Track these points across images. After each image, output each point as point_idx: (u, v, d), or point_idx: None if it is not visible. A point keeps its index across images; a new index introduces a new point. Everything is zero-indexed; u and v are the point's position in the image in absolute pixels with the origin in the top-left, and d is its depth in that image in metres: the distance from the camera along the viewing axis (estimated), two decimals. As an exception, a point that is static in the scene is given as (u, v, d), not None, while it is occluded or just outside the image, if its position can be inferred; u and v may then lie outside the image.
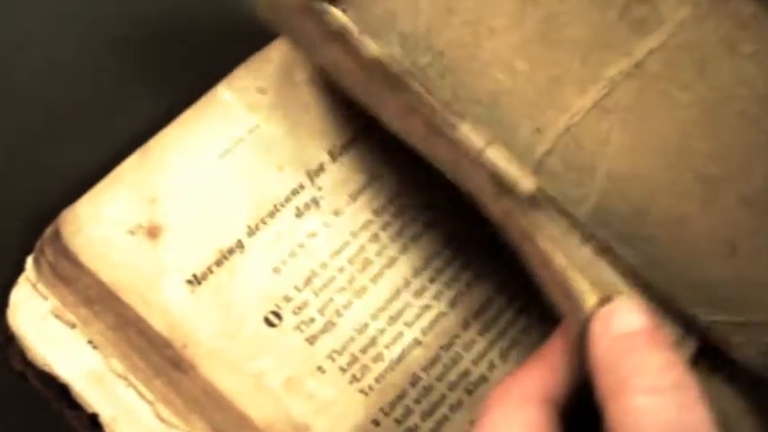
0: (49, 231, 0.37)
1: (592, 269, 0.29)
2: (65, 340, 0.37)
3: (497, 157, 0.30)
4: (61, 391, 0.37)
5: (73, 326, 0.37)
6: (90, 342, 0.37)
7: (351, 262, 0.38)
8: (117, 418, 0.36)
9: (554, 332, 0.30)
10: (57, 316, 0.37)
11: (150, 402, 0.36)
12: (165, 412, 0.36)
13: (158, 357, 0.36)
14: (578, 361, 0.28)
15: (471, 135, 0.30)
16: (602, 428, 0.26)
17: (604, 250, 0.30)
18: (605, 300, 0.28)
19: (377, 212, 0.38)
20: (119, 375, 0.37)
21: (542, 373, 0.29)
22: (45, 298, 0.37)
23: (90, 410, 0.36)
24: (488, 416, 0.28)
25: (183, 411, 0.36)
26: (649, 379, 0.26)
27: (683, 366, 0.27)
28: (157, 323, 0.36)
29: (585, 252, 0.30)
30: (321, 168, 0.39)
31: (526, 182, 0.30)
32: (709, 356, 0.31)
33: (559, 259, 0.29)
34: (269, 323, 0.36)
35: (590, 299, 0.28)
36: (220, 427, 0.36)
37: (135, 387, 0.36)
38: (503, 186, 0.30)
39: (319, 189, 0.38)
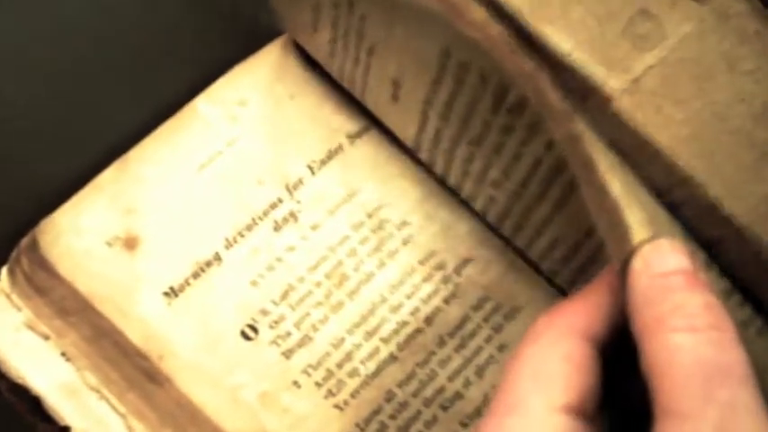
0: (25, 241, 0.37)
1: (645, 206, 0.29)
2: (38, 352, 0.37)
3: (584, 60, 0.29)
4: (35, 404, 0.36)
5: (46, 337, 0.37)
6: (63, 354, 0.37)
7: (328, 277, 0.38)
8: (89, 431, 0.36)
9: (600, 273, 0.30)
10: (30, 327, 0.37)
11: (122, 415, 0.36)
12: (138, 426, 0.36)
13: (133, 369, 0.36)
14: (620, 300, 0.28)
15: (556, 38, 0.29)
16: (638, 367, 0.26)
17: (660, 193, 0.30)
18: (651, 238, 0.28)
19: (355, 227, 0.39)
20: (91, 388, 0.36)
21: (585, 309, 0.29)
22: (19, 309, 0.37)
23: (62, 423, 0.36)
24: (528, 346, 0.28)
25: (156, 425, 0.36)
26: (687, 318, 0.26)
27: (722, 309, 0.27)
28: (134, 335, 0.36)
29: (642, 189, 0.30)
30: (300, 182, 0.39)
31: (614, 81, 0.29)
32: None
33: (616, 189, 0.28)
34: (245, 336, 0.36)
35: (637, 235, 0.28)
36: None
37: (107, 400, 0.36)
38: (586, 91, 0.29)
39: (298, 203, 0.38)
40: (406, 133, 0.38)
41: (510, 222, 0.36)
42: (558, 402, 0.26)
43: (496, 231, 0.39)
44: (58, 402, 0.36)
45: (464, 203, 0.40)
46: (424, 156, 0.38)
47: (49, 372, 0.36)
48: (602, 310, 0.29)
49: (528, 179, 0.33)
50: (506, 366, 0.27)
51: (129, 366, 0.36)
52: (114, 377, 0.36)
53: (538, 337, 0.28)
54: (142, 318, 0.36)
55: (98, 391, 0.36)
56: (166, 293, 0.36)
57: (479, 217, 0.39)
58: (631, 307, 0.27)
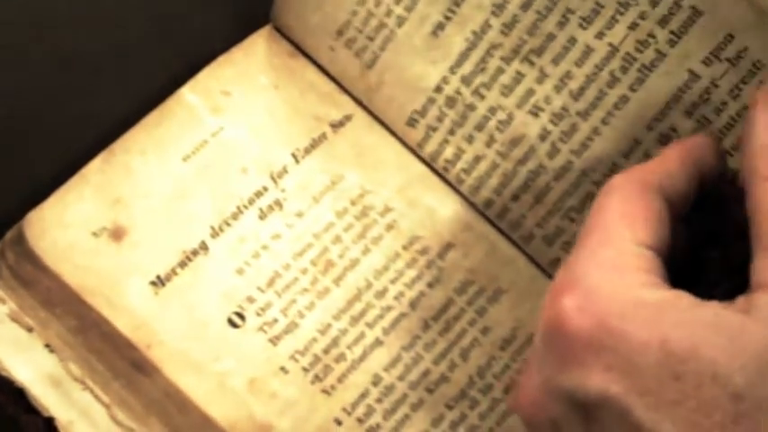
0: (10, 234, 0.37)
1: None
2: (22, 344, 0.37)
3: None
4: (18, 395, 0.37)
5: (30, 329, 0.37)
6: (47, 346, 0.37)
7: (314, 263, 0.38)
8: (73, 422, 0.36)
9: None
10: (14, 320, 0.37)
11: (107, 405, 0.36)
12: (122, 415, 0.36)
13: (119, 360, 0.36)
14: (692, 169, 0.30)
15: None
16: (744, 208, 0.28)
17: None
18: None
19: (339, 214, 0.39)
20: (75, 379, 0.37)
21: (664, 169, 0.30)
22: (3, 301, 0.37)
23: (46, 414, 0.36)
24: (607, 198, 0.30)
25: (141, 414, 0.36)
26: None
27: None
28: (121, 324, 0.36)
29: None
30: (284, 171, 0.39)
31: None
32: None
33: None
34: (232, 324, 0.37)
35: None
36: (180, 430, 0.36)
37: (92, 390, 0.36)
38: None
39: (283, 191, 0.39)
40: (426, 83, 0.38)
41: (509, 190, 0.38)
42: (645, 239, 0.29)
43: (480, 215, 0.40)
44: (42, 393, 0.36)
45: (447, 189, 0.40)
46: (434, 112, 0.39)
47: (33, 363, 0.37)
48: (678, 175, 0.31)
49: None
50: (592, 211, 0.30)
51: (115, 357, 0.36)
52: (99, 368, 0.36)
53: (617, 191, 0.30)
54: (130, 307, 0.36)
55: (82, 382, 0.36)
56: (153, 283, 0.37)
57: (462, 202, 0.40)
58: (748, 151, 0.29)
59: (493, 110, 0.38)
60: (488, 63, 0.38)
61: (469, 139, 0.39)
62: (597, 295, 0.27)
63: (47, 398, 0.36)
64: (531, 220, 0.39)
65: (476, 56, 0.38)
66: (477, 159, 0.39)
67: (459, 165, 0.39)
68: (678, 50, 0.34)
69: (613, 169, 0.36)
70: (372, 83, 0.40)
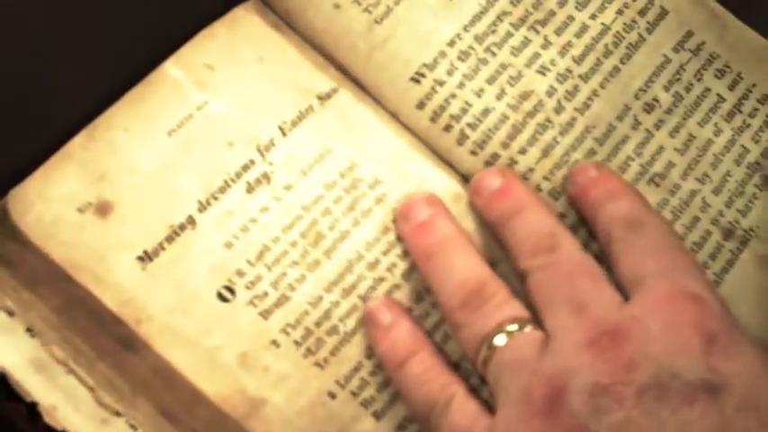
0: (-7, 212, 0.37)
1: None
2: (2, 328, 0.36)
3: None
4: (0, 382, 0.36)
5: (11, 313, 0.36)
6: (29, 330, 0.36)
7: (303, 236, 0.37)
8: (57, 407, 0.35)
9: None
10: (-6, 304, 0.36)
11: (91, 388, 0.36)
12: (107, 398, 0.35)
13: (106, 338, 0.36)
14: None
15: None
16: None
17: None
18: None
19: (328, 187, 0.38)
20: (59, 362, 0.36)
21: None
22: (-18, 285, 0.36)
23: (29, 399, 0.35)
24: None
25: (127, 395, 0.36)
26: None
27: None
28: (109, 300, 0.35)
29: None
30: (272, 143, 0.39)
31: None
32: None
33: None
34: (222, 298, 0.36)
35: None
36: (169, 409, 0.35)
37: (76, 373, 0.36)
38: None
39: (270, 164, 0.38)
40: (439, 38, 0.40)
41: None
42: None
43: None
44: (25, 378, 0.35)
45: (437, 160, 0.40)
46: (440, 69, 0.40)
47: (15, 348, 0.36)
48: None
49: None
50: None
51: (102, 335, 0.36)
52: (84, 348, 0.36)
53: None
54: (117, 283, 0.36)
55: (66, 365, 0.36)
56: (141, 258, 0.36)
57: (452, 173, 0.40)
58: None
59: (504, 66, 0.40)
60: (498, 27, 0.41)
61: (479, 93, 0.40)
62: None
63: (29, 383, 0.35)
64: (538, 173, 0.40)
65: (488, 19, 0.41)
66: (486, 112, 0.40)
67: (465, 119, 0.40)
68: (654, 37, 0.42)
69: (610, 128, 0.41)
70: (378, 39, 0.40)
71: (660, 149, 0.41)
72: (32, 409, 0.35)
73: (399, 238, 0.38)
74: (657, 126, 0.41)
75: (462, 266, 0.36)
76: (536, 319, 0.34)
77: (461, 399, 0.34)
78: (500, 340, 0.34)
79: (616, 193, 0.37)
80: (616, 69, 0.41)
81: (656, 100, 0.41)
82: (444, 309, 0.36)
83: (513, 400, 0.32)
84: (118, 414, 0.35)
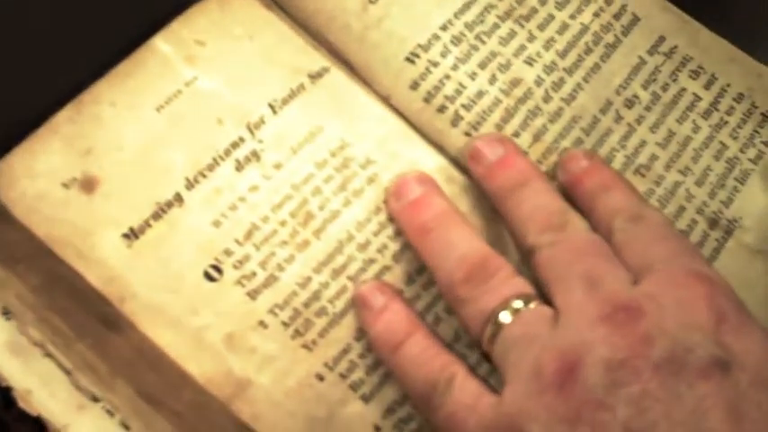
0: (-25, 187, 0.36)
1: None
2: (-24, 310, 0.35)
3: None
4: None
5: (-15, 292, 0.35)
6: (6, 313, 0.35)
7: (293, 215, 0.37)
8: (31, 391, 0.34)
9: None
10: (-32, 284, 0.35)
11: (68, 371, 0.35)
12: (85, 380, 0.35)
13: (87, 317, 0.35)
14: None
15: None
16: None
17: None
18: None
19: (319, 166, 0.38)
20: (35, 344, 0.35)
21: None
22: (-44, 265, 0.35)
23: (3, 384, 0.34)
24: None
25: (106, 377, 0.35)
26: None
27: None
28: (93, 278, 0.35)
29: None
30: (262, 121, 0.38)
31: None
32: None
33: None
34: (209, 277, 0.36)
35: None
36: (151, 391, 0.35)
37: (53, 356, 0.35)
38: None
39: (260, 142, 0.38)
40: (432, 21, 0.41)
41: None
42: None
43: (462, 169, 0.39)
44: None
45: (429, 142, 0.40)
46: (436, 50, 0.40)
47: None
48: None
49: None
50: None
51: (83, 314, 0.35)
52: (63, 328, 0.35)
53: None
54: (102, 260, 0.35)
55: (42, 347, 0.35)
56: (126, 235, 0.35)
57: (444, 155, 0.39)
58: None
59: (494, 54, 0.41)
60: (486, 18, 0.42)
61: (473, 76, 0.40)
62: None
63: (3, 366, 0.34)
64: (532, 156, 0.40)
65: (476, 9, 0.42)
66: (480, 95, 0.40)
67: (460, 100, 0.40)
68: (629, 40, 0.43)
69: (595, 120, 0.41)
70: (373, 18, 0.40)
71: (643, 143, 0.42)
72: (6, 395, 0.34)
73: (391, 219, 0.37)
74: (639, 121, 0.42)
75: (462, 241, 0.35)
76: (541, 296, 0.34)
77: (463, 377, 0.34)
78: (506, 317, 0.33)
79: (610, 185, 0.37)
80: (597, 66, 0.42)
81: (635, 96, 0.42)
82: (444, 285, 0.35)
83: (522, 374, 0.32)
84: (95, 399, 0.34)
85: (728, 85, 0.44)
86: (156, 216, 0.36)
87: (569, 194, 0.38)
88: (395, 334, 0.35)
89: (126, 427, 0.34)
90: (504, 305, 0.33)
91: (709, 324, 0.32)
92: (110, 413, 0.34)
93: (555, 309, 0.33)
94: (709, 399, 0.30)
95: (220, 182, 0.37)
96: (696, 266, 0.34)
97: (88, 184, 0.36)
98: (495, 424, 0.32)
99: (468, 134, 0.40)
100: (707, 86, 0.44)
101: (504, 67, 0.41)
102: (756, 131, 0.43)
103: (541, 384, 0.31)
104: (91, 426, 0.34)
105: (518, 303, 0.34)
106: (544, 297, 0.34)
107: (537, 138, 0.40)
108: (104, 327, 0.35)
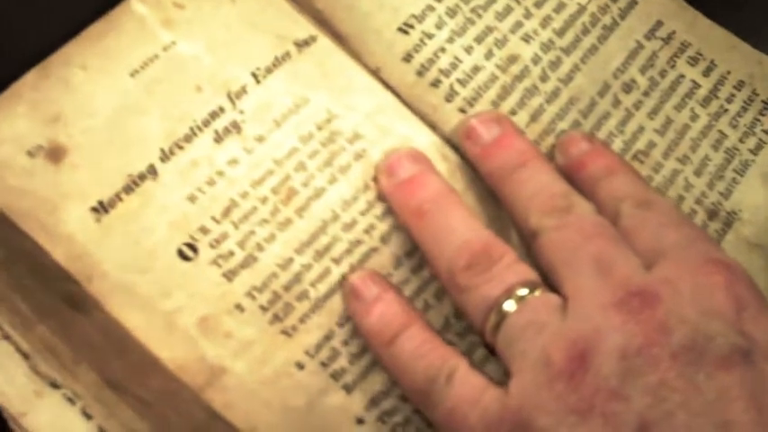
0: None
1: None
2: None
3: None
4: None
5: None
6: None
7: (275, 192, 0.35)
8: None
9: None
10: None
11: (26, 355, 0.33)
12: (45, 366, 0.33)
13: (51, 297, 0.33)
14: None
15: None
16: None
17: None
18: None
19: (303, 140, 0.36)
20: (-8, 325, 0.33)
21: None
22: None
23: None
24: None
25: (68, 362, 0.33)
26: None
27: None
28: (58, 254, 0.33)
29: None
30: (243, 90, 0.36)
31: None
32: None
33: None
34: (183, 256, 0.34)
35: None
36: (117, 377, 0.33)
37: (10, 338, 0.33)
38: None
39: (241, 112, 0.36)
40: None
41: None
42: None
43: (456, 147, 0.38)
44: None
45: (421, 118, 0.38)
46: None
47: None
48: None
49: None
50: None
51: (46, 293, 0.33)
52: (23, 308, 0.34)
53: None
54: (68, 236, 0.33)
55: (0, 329, 0.33)
56: (95, 209, 0.33)
57: (437, 132, 0.38)
58: None
59: (490, 29, 0.40)
60: None
61: (468, 50, 0.39)
62: None
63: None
64: (529, 136, 0.39)
65: None
66: (476, 70, 0.39)
67: (455, 74, 0.39)
68: (626, 23, 0.42)
69: (593, 103, 0.40)
70: None
71: (641, 128, 0.41)
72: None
73: (380, 198, 0.36)
74: (637, 106, 0.41)
75: (462, 226, 0.34)
76: (546, 283, 0.33)
77: (465, 371, 0.32)
78: (510, 305, 0.32)
79: (614, 169, 0.36)
80: (594, 47, 0.41)
81: (633, 81, 0.41)
82: (442, 271, 0.34)
83: (530, 364, 0.31)
84: (55, 385, 0.33)
85: (728, 73, 0.43)
86: (128, 189, 0.34)
87: (570, 179, 0.36)
88: (389, 326, 0.33)
89: (87, 415, 0.33)
90: (509, 293, 0.32)
91: (729, 312, 0.31)
92: (70, 401, 0.33)
93: (562, 296, 0.32)
94: (730, 389, 0.29)
95: (198, 154, 0.35)
96: (712, 253, 0.33)
97: (55, 153, 0.34)
98: (500, 418, 0.31)
99: (463, 111, 0.38)
100: (706, 73, 0.43)
101: (501, 42, 0.40)
102: (757, 119, 0.43)
103: (550, 374, 0.30)
104: (49, 414, 0.32)
105: (523, 291, 0.32)
106: (549, 284, 0.33)
107: (534, 118, 0.39)
108: (69, 307, 0.33)
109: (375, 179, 0.36)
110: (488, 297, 0.32)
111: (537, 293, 0.32)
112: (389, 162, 0.36)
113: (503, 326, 0.32)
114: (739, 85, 0.43)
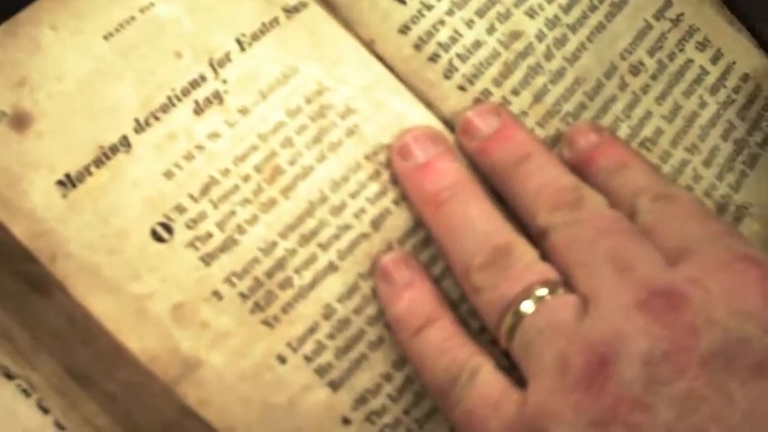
0: None
1: None
2: None
3: None
4: None
5: None
6: None
7: (258, 170, 0.33)
8: None
9: None
10: None
11: None
12: (-1, 355, 0.32)
13: (10, 277, 0.32)
14: None
15: None
16: None
17: None
18: None
19: (291, 113, 0.34)
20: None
21: None
22: None
23: None
24: None
25: (26, 350, 0.32)
26: None
27: None
28: (19, 231, 0.31)
29: None
30: (227, 58, 0.35)
31: None
32: None
33: None
34: (157, 237, 0.32)
35: None
36: (80, 367, 0.32)
37: None
38: None
39: (224, 82, 0.34)
40: None
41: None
42: None
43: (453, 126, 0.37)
44: None
45: (417, 95, 0.37)
46: None
47: None
48: None
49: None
50: None
51: (4, 273, 0.32)
52: (-25, 287, 0.32)
53: None
54: (31, 211, 0.31)
55: (-50, 311, 0.32)
56: (62, 183, 0.32)
57: (434, 110, 0.37)
58: None
59: (492, 1, 0.38)
60: None
61: (469, 24, 0.38)
62: None
63: None
64: (531, 119, 0.38)
65: None
66: (478, 45, 0.37)
67: (455, 49, 0.37)
68: (634, 1, 0.41)
69: (599, 84, 0.39)
70: None
71: (648, 114, 0.40)
72: None
73: (372, 178, 0.34)
74: (644, 90, 0.40)
75: (482, 220, 0.33)
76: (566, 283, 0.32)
77: (489, 371, 0.31)
78: (528, 306, 0.31)
79: (627, 162, 0.35)
80: (602, 25, 0.40)
81: (641, 63, 0.40)
82: (458, 267, 0.32)
83: (547, 370, 0.29)
84: (9, 376, 0.31)
85: (734, 63, 0.42)
86: (98, 162, 0.32)
87: (579, 173, 0.35)
88: (417, 316, 0.32)
89: (44, 409, 0.31)
90: (527, 293, 0.31)
91: (763, 312, 0.29)
92: (25, 392, 0.31)
93: (581, 297, 0.30)
94: (766, 400, 0.28)
95: (175, 126, 0.33)
96: (742, 248, 0.31)
97: (19, 121, 0.32)
98: (517, 425, 0.29)
99: (462, 88, 0.37)
100: (713, 61, 0.42)
101: (504, 16, 0.38)
102: (762, 114, 0.42)
103: (568, 381, 0.29)
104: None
105: (542, 291, 0.31)
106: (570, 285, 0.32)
107: (537, 99, 0.38)
108: (29, 289, 0.32)
109: (388, 159, 0.35)
110: (505, 297, 0.31)
111: (557, 294, 0.31)
112: (404, 142, 0.34)
113: (519, 328, 0.31)
114: (744, 78, 0.42)
